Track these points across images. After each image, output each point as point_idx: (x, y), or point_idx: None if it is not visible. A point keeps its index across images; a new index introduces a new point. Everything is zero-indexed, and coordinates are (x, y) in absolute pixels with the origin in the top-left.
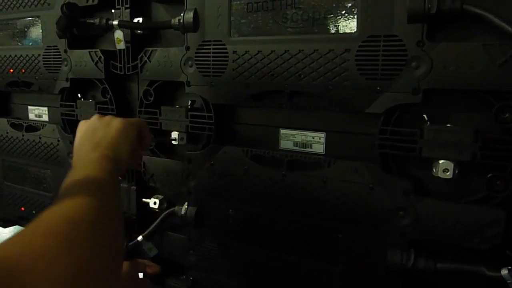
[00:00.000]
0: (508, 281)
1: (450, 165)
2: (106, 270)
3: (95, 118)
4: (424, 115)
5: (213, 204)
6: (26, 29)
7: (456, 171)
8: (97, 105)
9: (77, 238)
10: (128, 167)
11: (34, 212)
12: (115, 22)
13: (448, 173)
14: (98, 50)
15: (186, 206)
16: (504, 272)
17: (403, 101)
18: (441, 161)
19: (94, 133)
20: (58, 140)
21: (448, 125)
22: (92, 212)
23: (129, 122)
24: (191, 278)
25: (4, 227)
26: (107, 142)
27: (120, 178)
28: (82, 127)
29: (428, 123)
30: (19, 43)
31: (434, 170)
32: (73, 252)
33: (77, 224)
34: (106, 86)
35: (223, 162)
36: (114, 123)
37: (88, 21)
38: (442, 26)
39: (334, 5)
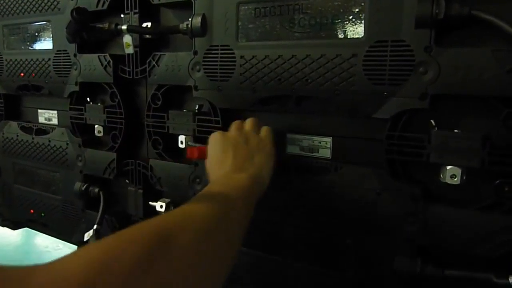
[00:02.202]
0: None
1: (457, 171)
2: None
3: (235, 133)
4: (432, 121)
5: None
6: (36, 34)
7: (464, 177)
8: (106, 109)
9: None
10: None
11: (43, 214)
12: (124, 27)
13: (455, 179)
14: (107, 54)
15: None
16: None
17: (411, 106)
18: (448, 167)
19: (237, 152)
20: (67, 144)
21: (456, 130)
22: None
23: (273, 143)
24: None
25: (14, 229)
26: (255, 169)
27: None
28: (220, 141)
29: (436, 128)
30: (29, 48)
31: (441, 176)
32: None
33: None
34: (115, 90)
35: None
36: (263, 148)
37: (97, 25)
38: (450, 32)
39: (341, 10)
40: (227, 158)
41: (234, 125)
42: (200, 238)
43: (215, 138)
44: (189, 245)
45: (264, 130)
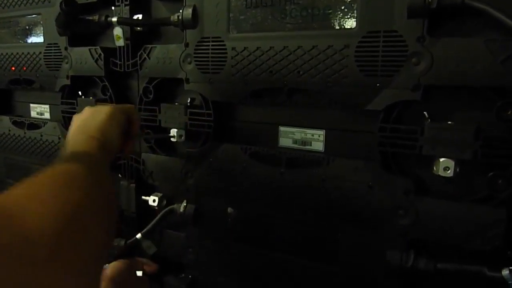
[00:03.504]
0: (509, 282)
1: (450, 163)
2: (98, 221)
3: (86, 108)
4: (425, 112)
5: (212, 202)
6: (27, 27)
7: (457, 170)
8: (97, 103)
9: (71, 187)
10: (119, 153)
11: None
12: (114, 19)
13: (448, 172)
14: (98, 47)
15: (185, 204)
16: (505, 272)
17: (403, 97)
18: (441, 159)
19: (85, 123)
20: (59, 138)
21: (449, 122)
22: (83, 174)
23: (117, 107)
24: (190, 276)
25: None
26: (94, 126)
27: (120, 176)
28: (75, 120)
29: (429, 120)
30: (20, 41)
31: (434, 168)
32: (66, 197)
33: (72, 177)
34: (106, 83)
35: (222, 160)
36: (102, 109)
37: (87, 18)
38: (443, 22)
39: (333, 0)
40: (72, 127)
41: None
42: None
43: (73, 119)
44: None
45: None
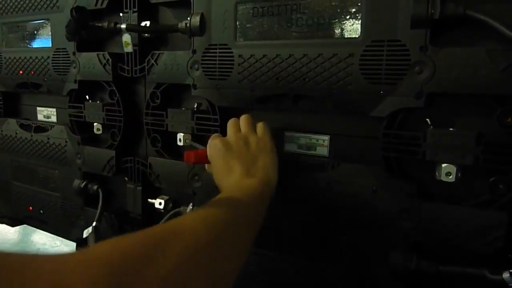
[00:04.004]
0: (510, 284)
1: (452, 169)
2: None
3: (234, 137)
4: (427, 119)
5: None
6: (35, 32)
7: (459, 175)
8: (105, 107)
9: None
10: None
11: (41, 211)
12: (123, 26)
13: (450, 177)
14: (106, 53)
15: (191, 207)
16: (506, 275)
17: (406, 105)
18: (443, 165)
19: (241, 157)
20: (66, 141)
21: (451, 129)
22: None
23: (272, 140)
24: None
25: (12, 225)
26: (262, 172)
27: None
28: (222, 148)
29: (431, 127)
30: (28, 45)
31: (436, 173)
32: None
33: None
34: (114, 88)
35: None
36: (264, 147)
37: (96, 24)
38: (445, 31)
39: (338, 10)
40: (233, 166)
41: (232, 128)
42: (204, 242)
43: (216, 146)
44: (191, 245)
45: (261, 128)
